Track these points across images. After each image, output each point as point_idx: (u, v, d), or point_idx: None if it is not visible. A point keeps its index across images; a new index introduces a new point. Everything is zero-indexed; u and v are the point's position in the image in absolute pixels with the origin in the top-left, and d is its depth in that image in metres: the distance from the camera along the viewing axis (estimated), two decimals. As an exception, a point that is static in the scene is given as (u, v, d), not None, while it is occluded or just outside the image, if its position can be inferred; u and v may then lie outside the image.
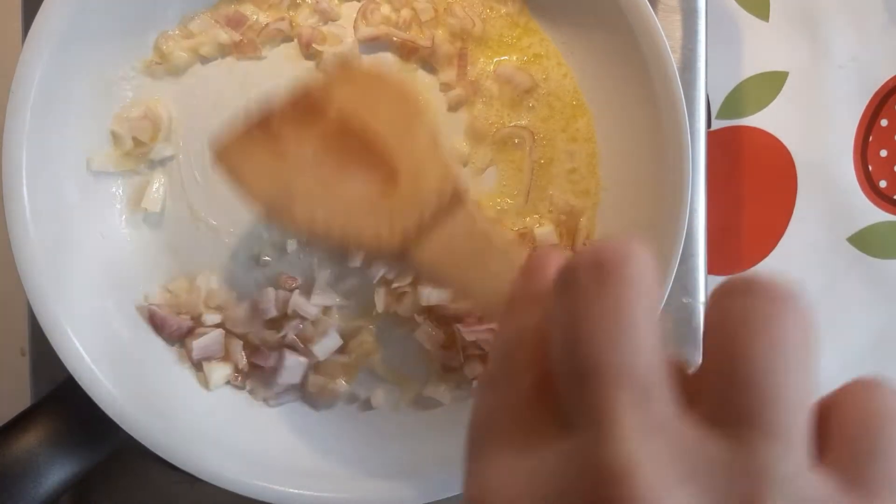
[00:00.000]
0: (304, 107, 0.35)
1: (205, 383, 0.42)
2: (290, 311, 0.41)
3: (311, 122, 0.35)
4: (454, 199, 0.33)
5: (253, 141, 0.35)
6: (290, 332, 0.41)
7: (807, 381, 0.17)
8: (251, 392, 0.43)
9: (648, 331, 0.18)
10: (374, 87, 0.35)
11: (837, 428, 0.18)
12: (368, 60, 0.43)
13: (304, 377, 0.42)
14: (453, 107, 0.43)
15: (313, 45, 0.42)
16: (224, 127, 0.35)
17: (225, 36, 0.42)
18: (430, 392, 0.42)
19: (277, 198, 0.34)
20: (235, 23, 0.42)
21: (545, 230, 0.42)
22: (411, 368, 0.43)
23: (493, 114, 0.43)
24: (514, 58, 0.43)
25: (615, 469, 0.17)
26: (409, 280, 0.41)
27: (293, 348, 0.42)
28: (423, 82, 0.43)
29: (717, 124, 0.57)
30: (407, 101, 0.35)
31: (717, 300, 0.19)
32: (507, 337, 0.23)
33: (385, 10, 0.43)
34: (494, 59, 0.43)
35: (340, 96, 0.35)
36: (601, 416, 0.17)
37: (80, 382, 0.38)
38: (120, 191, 0.42)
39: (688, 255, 0.46)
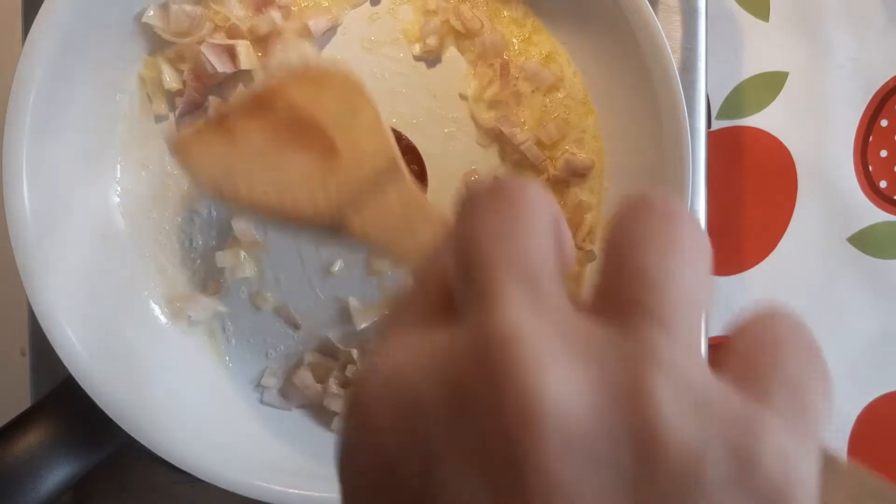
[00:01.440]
0: (257, 103, 0.38)
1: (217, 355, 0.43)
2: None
3: (261, 116, 0.37)
4: (391, 174, 0.35)
5: (209, 135, 0.38)
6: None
7: (699, 283, 0.18)
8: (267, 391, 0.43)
9: (544, 238, 0.19)
10: (320, 79, 0.38)
11: (734, 346, 0.18)
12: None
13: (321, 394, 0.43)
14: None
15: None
16: (184, 127, 0.37)
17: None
18: None
19: (223, 179, 0.36)
20: (263, 2, 0.42)
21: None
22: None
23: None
24: (535, 55, 0.43)
25: (500, 335, 0.17)
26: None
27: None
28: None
29: (717, 124, 0.57)
30: (351, 87, 0.37)
31: (614, 219, 0.19)
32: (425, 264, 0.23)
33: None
34: (523, 59, 0.43)
35: (289, 92, 0.37)
36: (488, 295, 0.18)
37: (80, 382, 0.38)
38: (119, 189, 0.42)
39: (688, 256, 0.46)
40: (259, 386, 0.43)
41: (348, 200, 0.34)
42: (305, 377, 0.42)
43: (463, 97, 0.43)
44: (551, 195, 0.20)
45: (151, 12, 0.41)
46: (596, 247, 0.42)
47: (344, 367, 0.43)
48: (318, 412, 0.43)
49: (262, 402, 0.43)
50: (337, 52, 0.43)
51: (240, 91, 0.41)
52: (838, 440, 0.57)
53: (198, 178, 0.37)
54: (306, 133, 0.37)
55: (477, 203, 0.19)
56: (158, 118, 0.43)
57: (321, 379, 0.43)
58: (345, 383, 0.43)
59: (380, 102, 0.42)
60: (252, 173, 0.37)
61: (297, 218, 0.36)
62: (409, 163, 0.43)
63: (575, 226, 0.42)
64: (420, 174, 0.43)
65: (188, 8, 0.41)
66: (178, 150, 0.38)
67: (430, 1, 0.43)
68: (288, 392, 0.43)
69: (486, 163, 0.43)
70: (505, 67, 0.42)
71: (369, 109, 0.37)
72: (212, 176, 0.37)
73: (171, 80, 0.42)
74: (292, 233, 0.37)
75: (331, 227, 0.35)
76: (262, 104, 0.38)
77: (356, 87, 0.38)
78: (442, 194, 0.43)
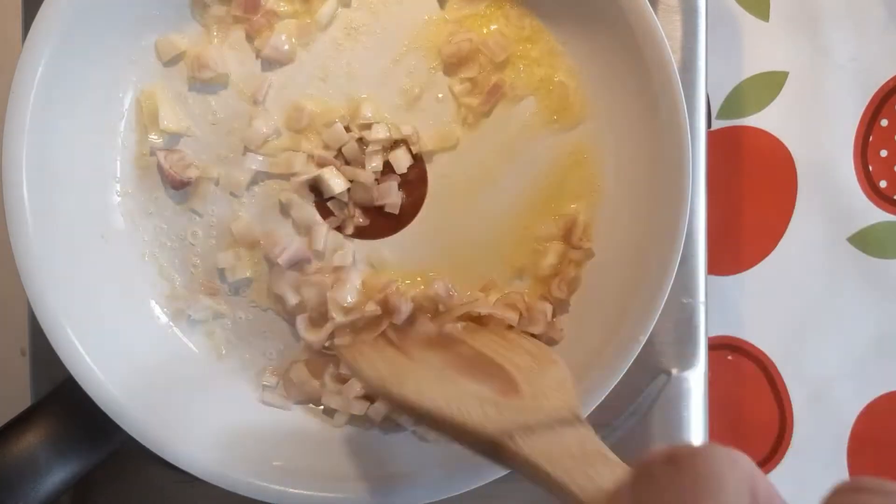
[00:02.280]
0: (437, 340, 0.39)
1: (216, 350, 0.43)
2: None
3: (441, 349, 0.38)
4: (573, 426, 0.33)
5: (381, 345, 0.39)
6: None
7: None
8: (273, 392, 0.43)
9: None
10: (514, 343, 0.38)
11: None
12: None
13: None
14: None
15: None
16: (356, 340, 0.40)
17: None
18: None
19: (391, 380, 0.36)
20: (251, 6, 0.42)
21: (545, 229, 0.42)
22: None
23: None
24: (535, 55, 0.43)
25: None
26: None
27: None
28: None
29: (717, 124, 0.57)
30: (546, 356, 0.37)
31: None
32: None
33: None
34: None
35: (477, 341, 0.38)
36: None
37: (80, 382, 0.38)
38: (119, 189, 0.42)
39: (688, 256, 0.46)
40: (258, 385, 0.43)
41: (520, 427, 0.32)
42: (301, 372, 0.42)
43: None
44: (744, 458, 0.20)
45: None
46: (594, 244, 0.42)
47: (339, 363, 0.43)
48: (318, 412, 0.43)
49: (261, 401, 0.43)
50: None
51: (415, 330, 0.42)
52: (838, 440, 0.57)
53: (362, 375, 0.37)
54: (488, 369, 0.36)
55: (652, 472, 0.20)
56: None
57: (317, 374, 0.43)
58: (340, 379, 0.43)
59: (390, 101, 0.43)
60: (424, 382, 0.35)
61: (460, 431, 0.33)
62: (410, 168, 0.43)
63: (569, 227, 0.42)
64: (420, 176, 0.43)
65: None
66: (348, 354, 0.38)
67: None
68: (286, 388, 0.43)
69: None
70: (497, 88, 0.42)
71: (560, 372, 0.36)
72: (379, 374, 0.36)
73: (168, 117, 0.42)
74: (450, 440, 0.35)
75: (492, 446, 0.33)
76: (444, 342, 0.38)
77: (551, 359, 0.37)
78: (441, 191, 0.43)
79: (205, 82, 0.42)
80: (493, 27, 0.43)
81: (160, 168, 0.42)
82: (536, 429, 0.32)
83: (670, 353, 0.46)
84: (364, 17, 0.43)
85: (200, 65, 0.42)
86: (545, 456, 0.31)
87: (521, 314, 0.42)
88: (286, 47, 0.42)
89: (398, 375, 0.36)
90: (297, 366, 0.43)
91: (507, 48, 0.42)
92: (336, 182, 0.41)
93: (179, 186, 0.42)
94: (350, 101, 0.42)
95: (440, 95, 0.43)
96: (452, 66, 0.43)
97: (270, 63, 0.42)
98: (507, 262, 0.43)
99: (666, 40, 0.38)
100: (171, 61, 0.42)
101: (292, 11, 0.42)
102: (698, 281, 0.46)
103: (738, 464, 0.20)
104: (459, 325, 0.41)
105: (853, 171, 0.57)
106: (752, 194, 0.57)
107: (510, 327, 0.41)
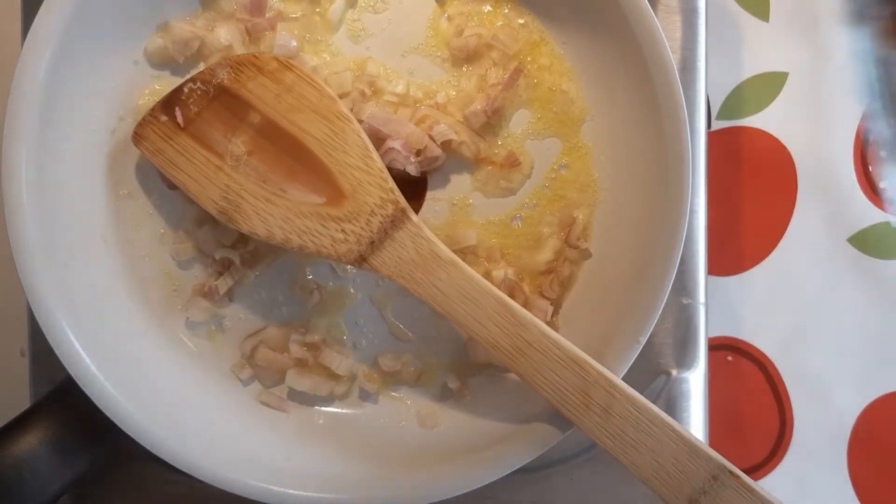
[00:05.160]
0: (225, 104, 0.38)
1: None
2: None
3: (237, 122, 0.38)
4: (397, 214, 0.36)
5: (179, 136, 0.38)
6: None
7: None
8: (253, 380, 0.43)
9: None
10: (291, 86, 0.38)
11: None
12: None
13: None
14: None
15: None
16: (142, 120, 0.39)
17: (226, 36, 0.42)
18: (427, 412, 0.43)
19: (224, 198, 0.37)
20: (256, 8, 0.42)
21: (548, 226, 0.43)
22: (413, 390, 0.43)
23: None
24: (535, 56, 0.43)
25: None
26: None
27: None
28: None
29: (717, 125, 0.57)
30: (330, 106, 0.37)
31: None
32: None
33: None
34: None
35: (259, 95, 0.37)
36: None
37: (79, 382, 0.38)
38: (119, 190, 0.43)
39: (688, 256, 0.46)
40: (257, 385, 0.43)
41: (363, 241, 0.36)
42: (265, 353, 0.43)
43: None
44: None
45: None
46: (592, 244, 0.42)
47: (302, 330, 0.43)
48: (317, 411, 0.43)
49: (260, 401, 0.43)
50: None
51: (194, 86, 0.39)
52: (838, 440, 0.57)
53: (188, 190, 0.37)
54: (297, 160, 0.37)
55: None
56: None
57: (281, 348, 0.43)
58: (306, 344, 0.43)
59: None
60: (263, 209, 0.37)
61: (317, 256, 0.37)
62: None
63: (566, 224, 0.42)
64: (419, 181, 0.43)
65: None
66: (153, 153, 0.37)
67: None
68: (260, 377, 0.43)
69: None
70: (517, 72, 0.42)
71: (353, 134, 0.37)
72: (207, 192, 0.37)
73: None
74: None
75: (350, 263, 0.37)
76: (230, 107, 0.37)
77: (335, 105, 0.37)
78: (437, 199, 0.43)
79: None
80: (498, 24, 0.43)
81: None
82: (378, 243, 0.36)
83: (670, 354, 0.46)
84: (365, 16, 0.43)
85: (182, 42, 0.41)
86: (395, 270, 0.36)
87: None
88: (293, 47, 0.42)
89: (230, 194, 0.37)
90: (258, 351, 0.43)
91: (518, 39, 0.42)
92: None
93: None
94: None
95: (443, 93, 0.43)
96: (460, 60, 0.43)
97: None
98: (501, 258, 0.43)
99: (666, 41, 0.38)
100: (187, 61, 0.43)
101: (299, 12, 0.42)
102: (698, 281, 0.46)
103: None
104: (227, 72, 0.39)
105: (853, 172, 0.57)
106: (752, 194, 0.57)
107: (283, 67, 0.38)
